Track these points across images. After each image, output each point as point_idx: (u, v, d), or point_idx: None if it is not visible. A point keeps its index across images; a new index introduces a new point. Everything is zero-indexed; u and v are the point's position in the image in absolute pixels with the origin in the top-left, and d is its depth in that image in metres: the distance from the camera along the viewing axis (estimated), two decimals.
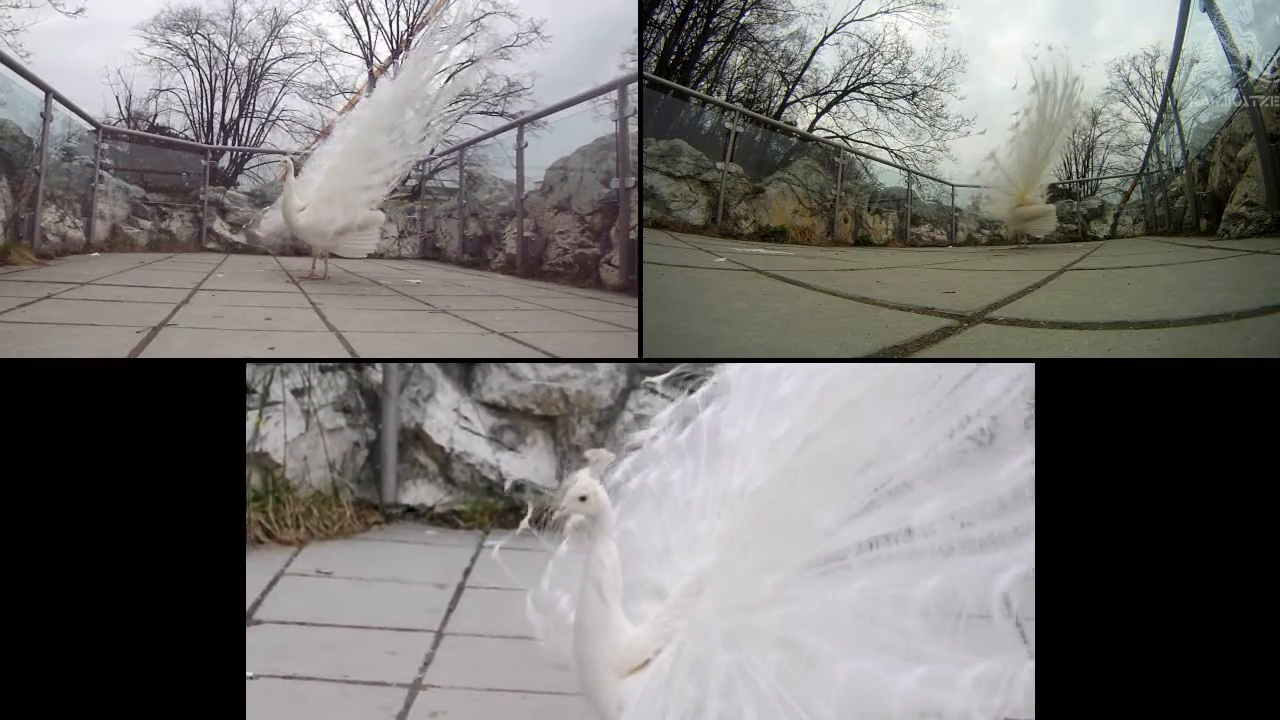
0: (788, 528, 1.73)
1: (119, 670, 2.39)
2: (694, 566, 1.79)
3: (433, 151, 6.18)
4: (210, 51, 7.64)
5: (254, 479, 3.64)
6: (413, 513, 3.87)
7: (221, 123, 7.94)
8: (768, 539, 1.74)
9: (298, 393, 3.78)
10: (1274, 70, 5.73)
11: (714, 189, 7.06)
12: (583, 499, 1.72)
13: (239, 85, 7.89)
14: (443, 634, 2.95)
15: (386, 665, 2.74)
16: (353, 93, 7.52)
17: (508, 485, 3.80)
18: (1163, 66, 7.01)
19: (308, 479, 3.73)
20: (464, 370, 3.93)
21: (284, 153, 6.83)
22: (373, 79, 7.24)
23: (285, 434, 3.72)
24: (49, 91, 6.12)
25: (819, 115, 7.80)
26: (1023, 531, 1.64)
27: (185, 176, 7.81)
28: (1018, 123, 6.59)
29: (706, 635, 1.70)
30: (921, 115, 7.77)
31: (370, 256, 5.98)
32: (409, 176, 5.87)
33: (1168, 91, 6.90)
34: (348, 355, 3.58)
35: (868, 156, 7.86)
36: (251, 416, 3.67)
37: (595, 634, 1.73)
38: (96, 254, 6.54)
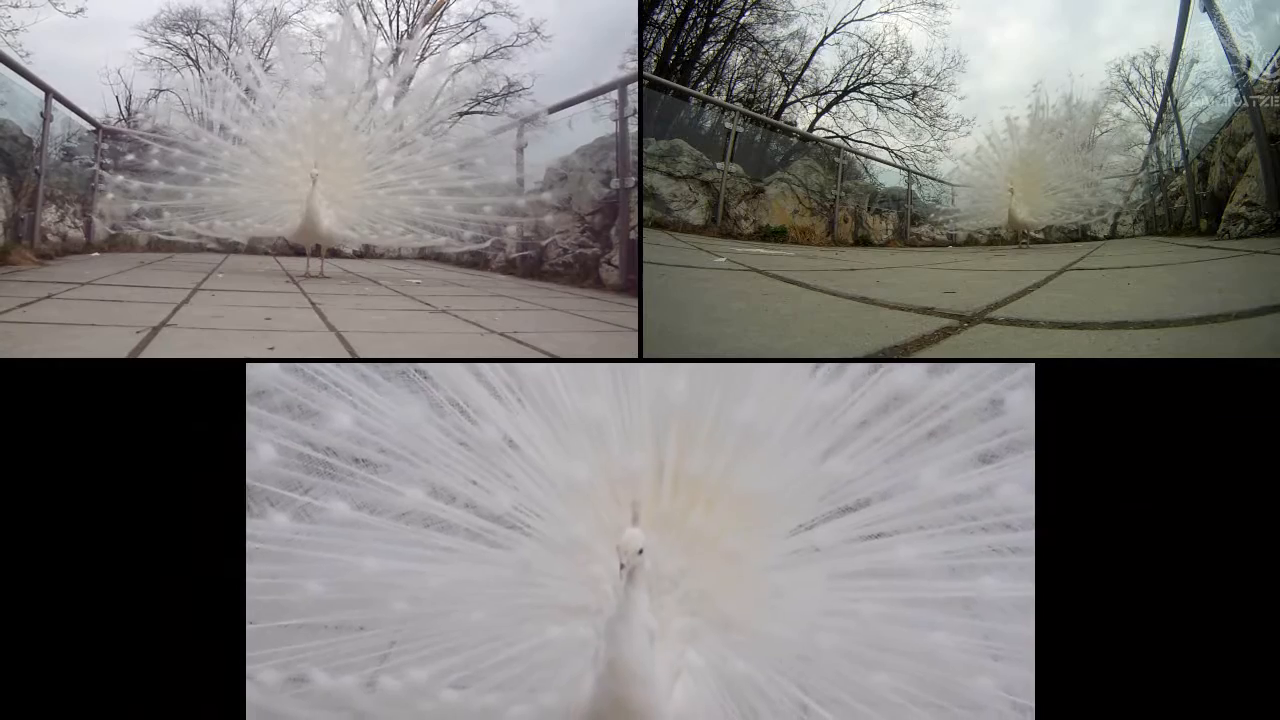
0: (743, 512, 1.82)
1: (118, 670, 2.39)
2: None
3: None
4: (210, 52, 7.62)
5: None
6: None
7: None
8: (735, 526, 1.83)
9: None
10: (1274, 70, 5.73)
11: (714, 189, 7.06)
12: (640, 551, 1.73)
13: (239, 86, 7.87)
14: None
15: None
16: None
17: None
18: (1163, 66, 7.01)
19: None
20: None
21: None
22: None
23: None
24: (49, 91, 6.12)
25: (819, 115, 7.79)
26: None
27: None
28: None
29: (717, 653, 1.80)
30: (921, 115, 7.76)
31: (369, 257, 6.02)
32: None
33: (1168, 91, 6.90)
34: (348, 355, 3.57)
35: (868, 156, 7.85)
36: None
37: (653, 680, 1.72)
38: (97, 254, 6.54)
